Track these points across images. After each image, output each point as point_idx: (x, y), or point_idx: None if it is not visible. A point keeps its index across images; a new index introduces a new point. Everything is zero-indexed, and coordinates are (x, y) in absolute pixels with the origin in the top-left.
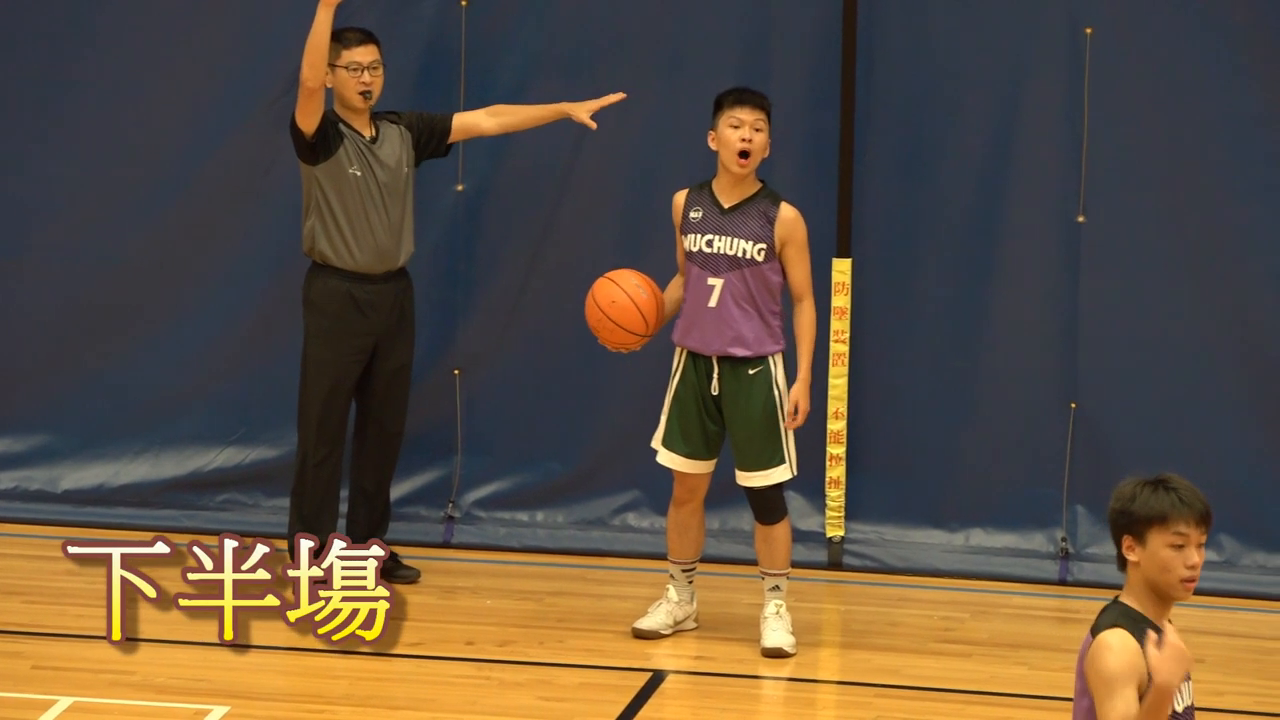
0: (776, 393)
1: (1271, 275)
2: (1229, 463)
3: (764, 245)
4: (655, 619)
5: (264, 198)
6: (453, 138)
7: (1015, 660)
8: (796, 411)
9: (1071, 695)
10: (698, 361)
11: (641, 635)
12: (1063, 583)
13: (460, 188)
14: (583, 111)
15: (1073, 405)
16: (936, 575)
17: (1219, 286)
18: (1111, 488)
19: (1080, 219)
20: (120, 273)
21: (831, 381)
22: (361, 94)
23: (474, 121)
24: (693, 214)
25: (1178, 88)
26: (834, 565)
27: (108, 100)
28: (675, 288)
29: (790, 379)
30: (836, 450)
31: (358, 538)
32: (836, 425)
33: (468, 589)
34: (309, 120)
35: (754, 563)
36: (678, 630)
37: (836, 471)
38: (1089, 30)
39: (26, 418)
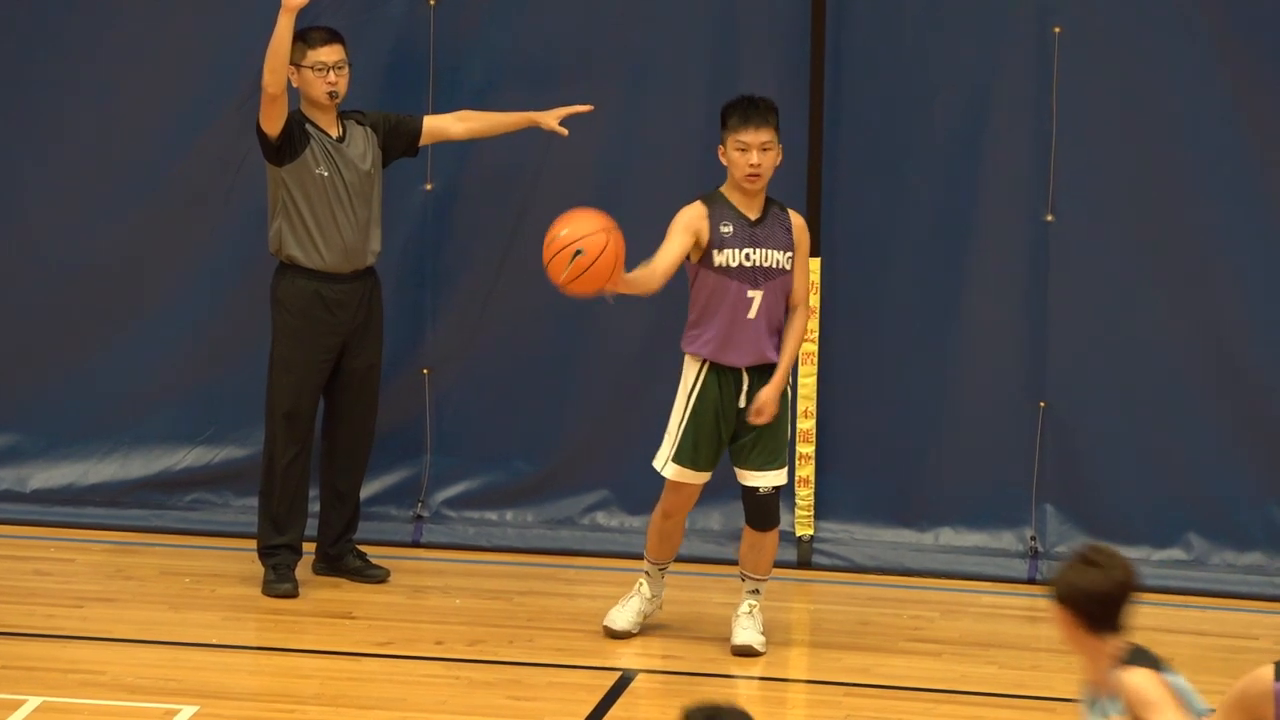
0: (789, 393)
1: (1239, 273)
2: (1196, 461)
3: (790, 254)
4: (626, 617)
5: (232, 198)
6: (422, 141)
7: (985, 659)
8: (762, 412)
9: (1038, 694)
10: (723, 374)
11: (614, 635)
12: (1031, 581)
13: (429, 187)
14: (551, 119)
15: (1042, 404)
16: (906, 574)
17: (1187, 285)
18: (1080, 486)
19: (1049, 218)
20: (89, 273)
21: (801, 380)
22: (328, 94)
23: (443, 126)
24: (724, 229)
25: (1146, 87)
26: (803, 564)
27: (75, 102)
28: (648, 273)
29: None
30: (806, 449)
31: (330, 539)
32: (806, 424)
33: (437, 588)
34: (273, 124)
35: (723, 562)
36: (645, 620)
37: (806, 470)
38: (1058, 29)
39: None
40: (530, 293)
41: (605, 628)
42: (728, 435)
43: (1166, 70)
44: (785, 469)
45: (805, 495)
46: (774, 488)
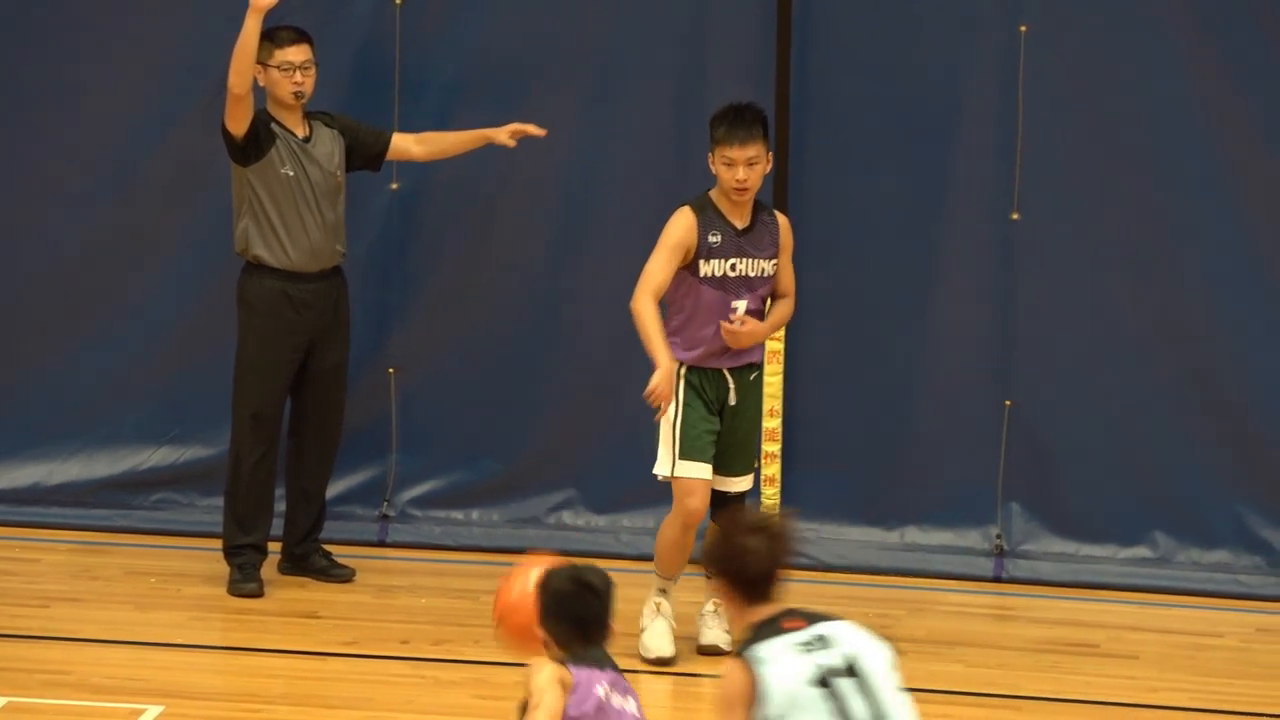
0: (760, 396)
1: (1206, 271)
2: (1163, 459)
3: (775, 260)
4: (666, 642)
5: (199, 198)
6: (387, 157)
7: (952, 657)
8: (735, 333)
9: (1006, 692)
10: (706, 374)
11: (665, 661)
12: (998, 580)
13: (395, 186)
14: (503, 135)
15: (1007, 403)
16: (873, 572)
17: (1154, 283)
18: (1046, 485)
19: (1015, 216)
20: (53, 272)
21: (767, 379)
22: (294, 94)
23: (405, 146)
24: (712, 238)
25: (1112, 85)
26: None
27: (42, 100)
28: (654, 310)
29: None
30: (772, 448)
31: (296, 539)
32: (772, 423)
33: (404, 588)
34: (238, 125)
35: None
36: None
37: (772, 469)
38: (1023, 28)
39: None
40: (497, 292)
41: (655, 659)
42: (715, 433)
43: (1134, 69)
44: (753, 474)
45: (771, 494)
46: (742, 492)
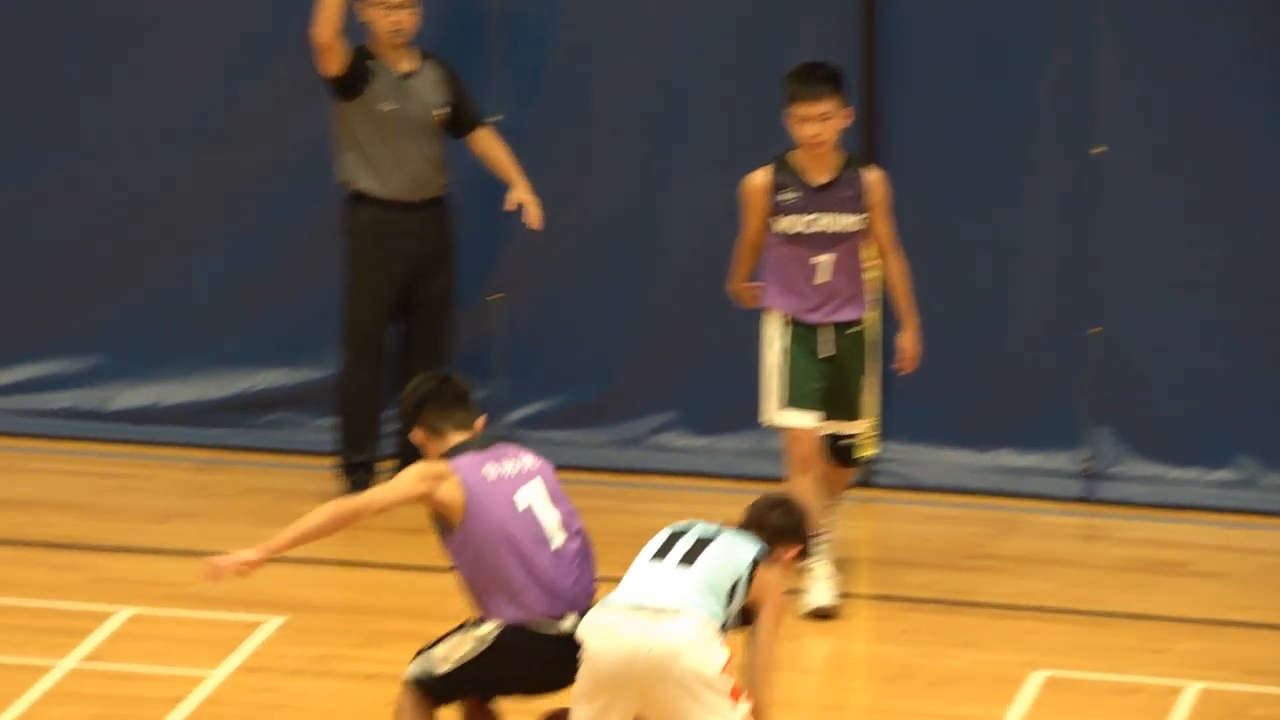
0: (870, 348)
1: None
2: (1245, 384)
3: (862, 215)
4: (827, 594)
5: (304, 129)
6: (464, 135)
7: (1041, 576)
8: (905, 357)
9: (1093, 609)
10: (807, 329)
11: (824, 614)
12: (1086, 501)
13: (500, 117)
14: (515, 196)
15: (1095, 330)
16: (966, 493)
17: (1235, 211)
18: (1134, 409)
19: (1098, 150)
20: (170, 200)
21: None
22: (393, 31)
23: (476, 142)
24: (785, 196)
25: (1195, 16)
26: (867, 484)
27: (156, 34)
28: (748, 256)
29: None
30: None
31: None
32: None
33: None
34: (330, 68)
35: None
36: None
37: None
38: None
39: (79, 341)
40: (596, 220)
41: (813, 610)
42: (821, 380)
43: (1215, 1)
44: (867, 419)
45: (869, 422)
46: (854, 435)
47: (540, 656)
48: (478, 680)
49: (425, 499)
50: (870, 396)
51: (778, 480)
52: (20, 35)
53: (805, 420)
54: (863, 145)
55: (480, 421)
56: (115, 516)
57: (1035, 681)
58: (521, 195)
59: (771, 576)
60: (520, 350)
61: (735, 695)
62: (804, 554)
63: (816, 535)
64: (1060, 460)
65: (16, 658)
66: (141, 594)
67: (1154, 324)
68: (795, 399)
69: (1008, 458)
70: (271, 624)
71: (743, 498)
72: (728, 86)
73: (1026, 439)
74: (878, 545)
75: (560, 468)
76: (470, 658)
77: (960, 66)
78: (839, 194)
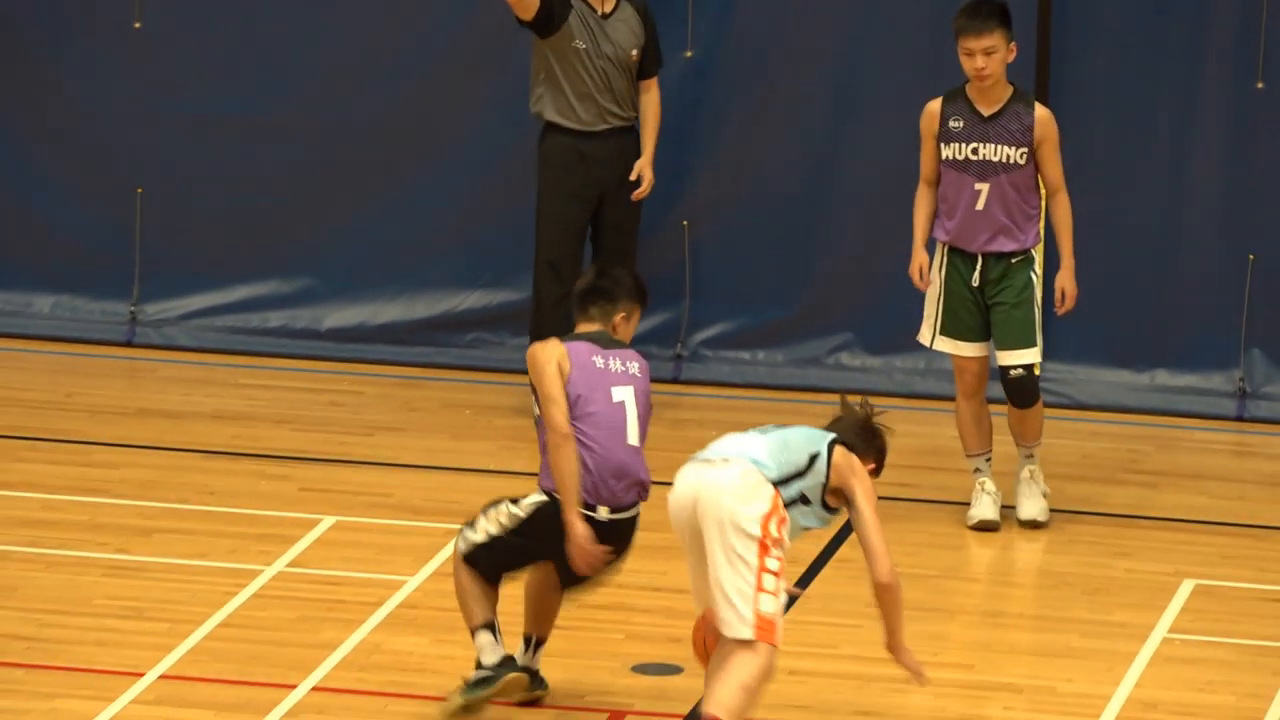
0: (1035, 281)
1: None
2: None
3: (1025, 149)
4: (990, 509)
5: (505, 65)
6: (640, 80)
7: (1196, 490)
8: (1064, 298)
9: (1246, 521)
10: (962, 257)
11: (985, 526)
12: (1239, 419)
13: (689, 54)
14: (638, 163)
15: (1251, 257)
16: (1124, 411)
17: None
18: None
19: (1259, 85)
20: (380, 131)
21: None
22: None
23: (644, 84)
24: (953, 123)
25: None
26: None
27: None
28: (925, 200)
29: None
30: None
31: None
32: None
33: (694, 421)
34: (523, 11)
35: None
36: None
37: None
38: None
39: (293, 263)
40: (779, 151)
41: (977, 521)
42: (981, 310)
43: None
44: (1034, 349)
45: None
46: (1023, 367)
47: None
48: (514, 550)
49: (563, 374)
50: (1029, 329)
51: (950, 398)
52: None
53: (960, 349)
54: (1036, 82)
55: (620, 316)
56: (324, 430)
57: (1185, 590)
58: (642, 165)
59: (854, 462)
60: (706, 274)
61: (765, 549)
62: (876, 471)
63: (974, 457)
64: (1215, 380)
65: (228, 562)
66: (346, 503)
67: None
68: (948, 328)
69: (1164, 378)
70: None
71: (916, 414)
72: (906, 26)
73: (1183, 360)
74: (1041, 460)
75: (743, 385)
76: (510, 528)
77: (1129, 8)
78: (1005, 125)
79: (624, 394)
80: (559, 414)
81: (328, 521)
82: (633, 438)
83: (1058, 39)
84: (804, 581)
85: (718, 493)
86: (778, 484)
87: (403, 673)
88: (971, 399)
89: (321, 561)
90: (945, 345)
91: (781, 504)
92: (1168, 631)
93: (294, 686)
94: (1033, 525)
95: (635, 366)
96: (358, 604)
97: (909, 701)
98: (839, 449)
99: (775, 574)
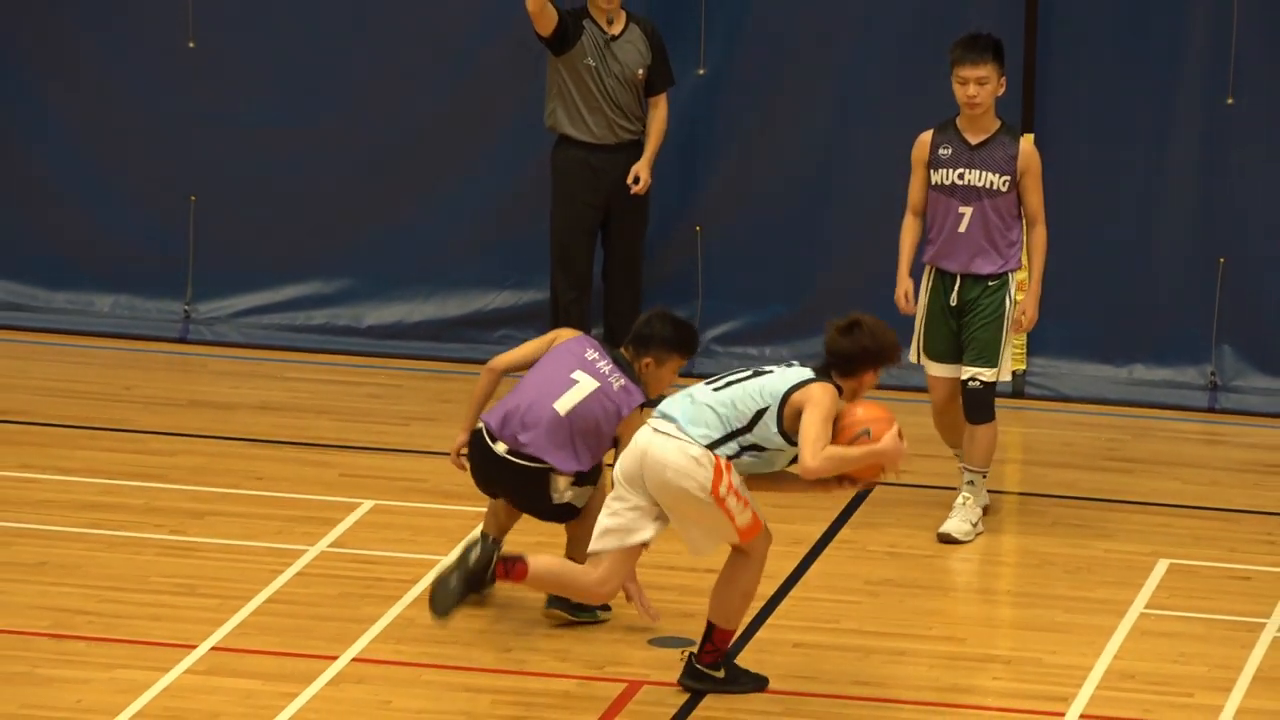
0: (1008, 304)
1: None
2: None
3: (1008, 176)
4: (960, 525)
5: (525, 82)
6: (649, 96)
7: (1171, 476)
8: (1024, 320)
9: (1216, 505)
10: (944, 278)
11: (947, 539)
12: (1211, 410)
13: (701, 72)
14: (637, 164)
15: (1221, 261)
16: (1104, 403)
17: None
18: (1255, 330)
19: (1229, 100)
20: (413, 140)
21: None
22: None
23: (653, 100)
24: (941, 151)
25: None
26: (1018, 394)
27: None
28: (911, 230)
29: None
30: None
31: None
32: (1020, 274)
33: None
34: (542, 29)
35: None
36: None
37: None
38: None
39: (335, 265)
40: (787, 161)
41: (941, 534)
42: (955, 331)
43: None
44: (994, 369)
45: (1019, 336)
46: (981, 382)
47: (479, 455)
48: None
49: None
50: (994, 348)
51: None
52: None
53: (930, 367)
54: (1023, 102)
55: (647, 361)
56: (363, 419)
57: (1161, 569)
58: (640, 166)
59: (814, 391)
60: (717, 275)
61: (721, 500)
62: (891, 363)
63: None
64: (1188, 374)
65: (273, 543)
66: (384, 488)
67: (1274, 254)
68: (928, 348)
69: (1142, 372)
70: None
71: (911, 406)
72: (905, 51)
73: (1159, 356)
74: (1026, 449)
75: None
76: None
77: (1108, 31)
78: (991, 154)
79: (585, 381)
80: (504, 354)
81: (367, 505)
82: (562, 406)
83: (1042, 61)
84: (807, 562)
85: (661, 468)
86: (716, 443)
87: (436, 645)
88: (942, 414)
89: (361, 542)
90: (926, 365)
91: (724, 461)
92: (1144, 607)
93: (335, 657)
94: (946, 540)
95: (618, 384)
96: (395, 581)
97: (906, 672)
98: (811, 387)
99: (738, 496)
